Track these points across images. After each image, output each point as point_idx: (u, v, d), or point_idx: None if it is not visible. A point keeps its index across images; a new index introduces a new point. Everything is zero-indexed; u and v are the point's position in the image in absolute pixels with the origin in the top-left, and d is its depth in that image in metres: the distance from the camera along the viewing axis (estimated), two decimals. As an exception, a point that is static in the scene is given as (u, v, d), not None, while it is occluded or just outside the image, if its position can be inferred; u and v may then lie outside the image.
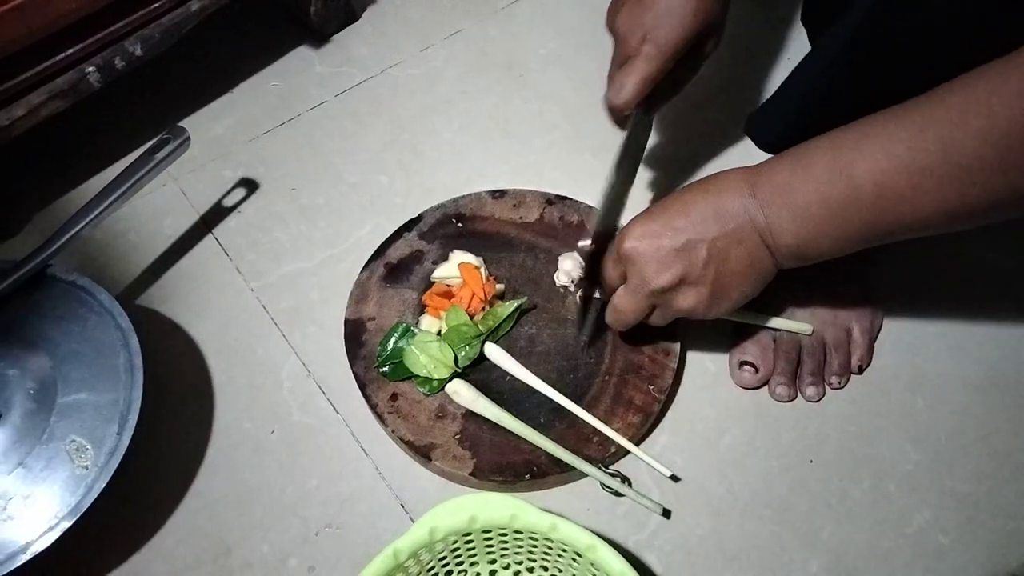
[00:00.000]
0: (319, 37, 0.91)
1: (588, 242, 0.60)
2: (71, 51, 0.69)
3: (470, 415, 0.62)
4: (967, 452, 0.63)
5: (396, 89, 0.87)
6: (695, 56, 0.61)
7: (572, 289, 0.69)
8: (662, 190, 0.79)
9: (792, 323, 0.65)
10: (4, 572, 0.52)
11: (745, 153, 0.80)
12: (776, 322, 0.65)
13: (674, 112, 0.85)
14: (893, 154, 0.45)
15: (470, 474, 0.60)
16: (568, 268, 0.69)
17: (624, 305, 0.57)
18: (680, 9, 0.56)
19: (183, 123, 0.70)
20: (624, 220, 0.60)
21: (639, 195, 0.77)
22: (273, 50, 0.90)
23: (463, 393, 0.62)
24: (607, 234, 0.60)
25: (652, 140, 0.75)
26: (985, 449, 0.64)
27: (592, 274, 0.60)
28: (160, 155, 0.67)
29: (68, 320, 0.61)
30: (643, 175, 0.79)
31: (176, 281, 0.74)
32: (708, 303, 0.54)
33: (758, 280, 0.54)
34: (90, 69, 0.71)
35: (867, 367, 0.67)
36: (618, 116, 0.61)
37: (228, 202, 0.79)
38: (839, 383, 0.66)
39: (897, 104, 0.46)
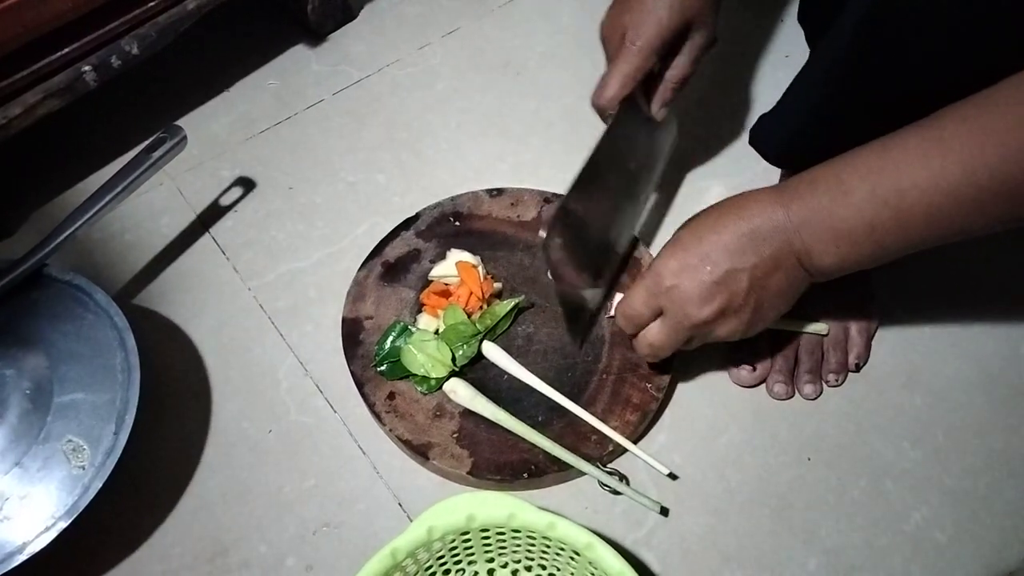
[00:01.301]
0: (316, 35, 0.91)
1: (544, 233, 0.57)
2: (67, 50, 0.69)
3: (468, 414, 0.62)
4: (964, 450, 0.63)
5: (393, 87, 0.87)
6: (688, 52, 0.61)
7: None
8: (660, 190, 0.78)
9: (811, 325, 0.65)
10: (1, 572, 0.52)
11: (744, 153, 0.80)
12: (796, 325, 0.65)
13: (673, 112, 0.84)
14: (944, 188, 0.44)
15: (468, 473, 0.60)
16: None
17: (663, 341, 0.56)
18: (658, 6, 0.57)
19: (180, 122, 0.70)
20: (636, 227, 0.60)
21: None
22: (270, 49, 0.90)
23: (461, 392, 0.62)
24: (567, 219, 0.58)
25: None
26: (982, 447, 0.64)
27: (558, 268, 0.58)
28: (157, 154, 0.67)
29: (64, 320, 0.61)
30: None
31: (173, 280, 0.73)
32: (747, 327, 0.54)
33: (793, 298, 0.55)
34: (86, 68, 0.70)
35: (864, 365, 0.67)
36: (605, 115, 0.61)
37: (225, 201, 0.79)
38: (836, 381, 0.66)
39: (910, 110, 0.46)
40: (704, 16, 0.59)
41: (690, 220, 0.55)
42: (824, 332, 0.66)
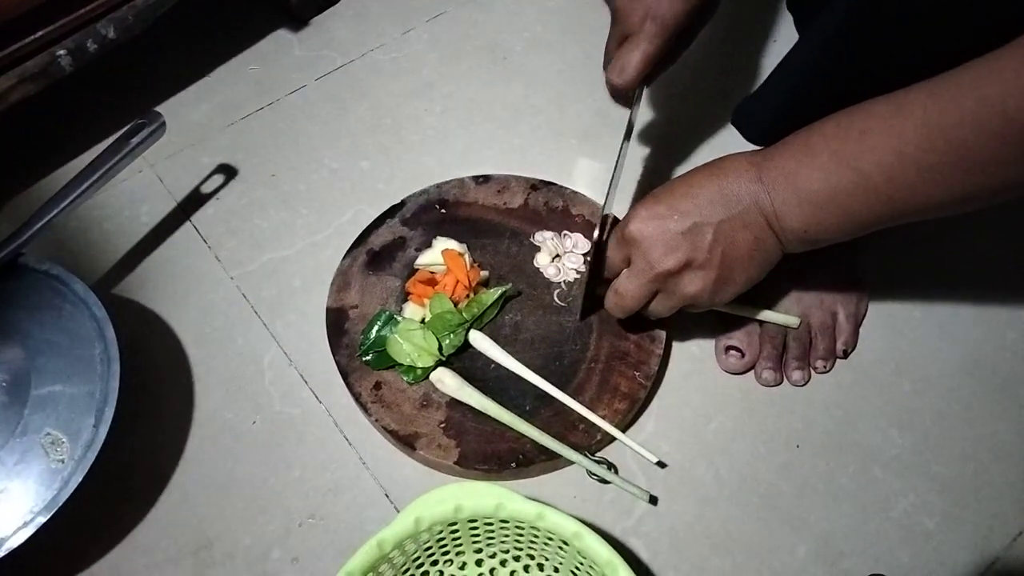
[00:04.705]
0: (298, 20, 0.89)
1: (596, 232, 0.58)
2: (41, 33, 0.67)
3: (455, 403, 0.62)
4: (952, 436, 0.64)
5: (377, 73, 0.86)
6: (693, 28, 0.60)
7: (554, 272, 0.68)
8: (651, 173, 0.78)
9: (780, 316, 0.65)
10: (-21, 568, 0.51)
11: (732, 137, 0.79)
12: (765, 315, 0.65)
13: (660, 96, 0.84)
14: (903, 151, 0.44)
15: (455, 463, 0.59)
16: (551, 247, 0.69)
17: (627, 289, 0.57)
18: None
19: (159, 108, 0.69)
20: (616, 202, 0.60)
21: (629, 179, 0.77)
22: (251, 33, 0.89)
23: (447, 381, 0.61)
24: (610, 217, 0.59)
25: (638, 125, 0.74)
26: (970, 432, 0.64)
27: (599, 261, 0.59)
28: (135, 140, 0.65)
29: (42, 310, 0.60)
30: (631, 158, 0.78)
31: (154, 270, 0.72)
32: (714, 288, 0.54)
33: (764, 264, 0.54)
34: (61, 52, 0.69)
35: (852, 351, 0.67)
36: (620, 94, 0.60)
37: (206, 189, 0.77)
38: (824, 367, 0.66)
39: (891, 91, 0.46)
40: None
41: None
42: (795, 325, 0.65)
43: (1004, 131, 0.40)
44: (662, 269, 0.54)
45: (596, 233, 0.58)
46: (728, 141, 0.79)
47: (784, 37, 0.88)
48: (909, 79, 0.45)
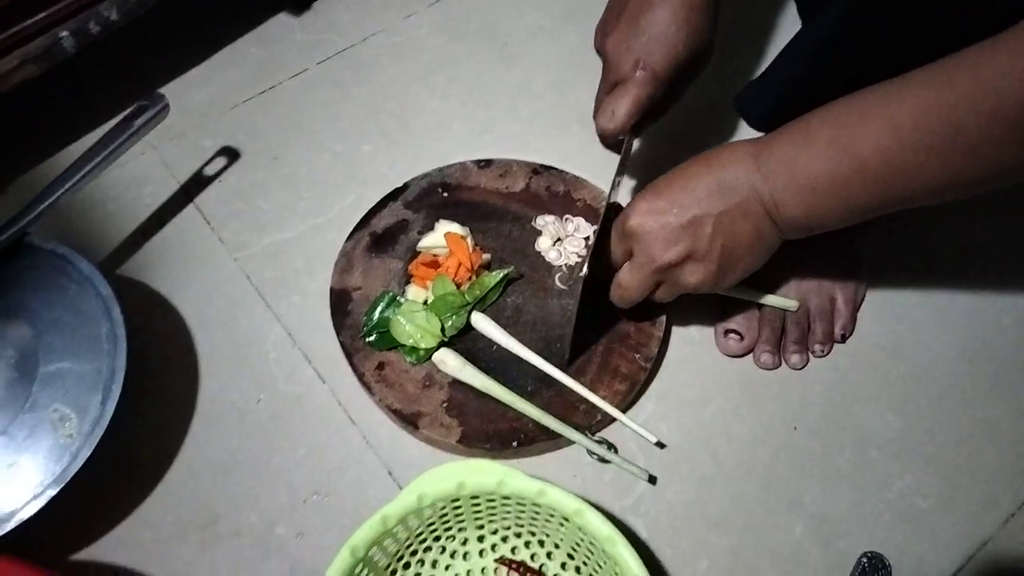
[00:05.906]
0: (300, 3, 0.89)
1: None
2: (44, 14, 0.67)
3: (457, 383, 0.62)
4: (947, 419, 0.64)
5: (379, 57, 0.86)
6: (684, 79, 0.61)
7: (555, 256, 0.69)
8: (654, 161, 0.78)
9: (778, 299, 0.66)
10: (-10, 541, 0.51)
11: (734, 124, 0.80)
12: (764, 298, 0.66)
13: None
14: (899, 134, 0.45)
15: (457, 442, 0.60)
16: (552, 231, 0.69)
17: (629, 282, 0.57)
18: (674, 35, 0.56)
19: (162, 90, 0.69)
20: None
21: (632, 167, 0.77)
22: (253, 16, 0.89)
23: (450, 362, 0.62)
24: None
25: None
26: (965, 416, 0.65)
27: (597, 258, 0.59)
28: (138, 122, 0.66)
29: (48, 289, 0.60)
30: (635, 145, 0.78)
31: (158, 251, 0.73)
32: (715, 278, 0.55)
33: (763, 252, 0.55)
34: (64, 33, 0.69)
35: (850, 336, 0.68)
36: (610, 140, 0.61)
37: (209, 171, 0.78)
38: (822, 351, 0.67)
39: (892, 77, 0.46)
40: (709, 46, 0.59)
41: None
42: (793, 308, 0.66)
43: (998, 111, 0.41)
44: (663, 262, 0.54)
45: (597, 227, 0.59)
46: (731, 126, 0.80)
47: (788, 23, 0.88)
48: (911, 66, 0.45)
